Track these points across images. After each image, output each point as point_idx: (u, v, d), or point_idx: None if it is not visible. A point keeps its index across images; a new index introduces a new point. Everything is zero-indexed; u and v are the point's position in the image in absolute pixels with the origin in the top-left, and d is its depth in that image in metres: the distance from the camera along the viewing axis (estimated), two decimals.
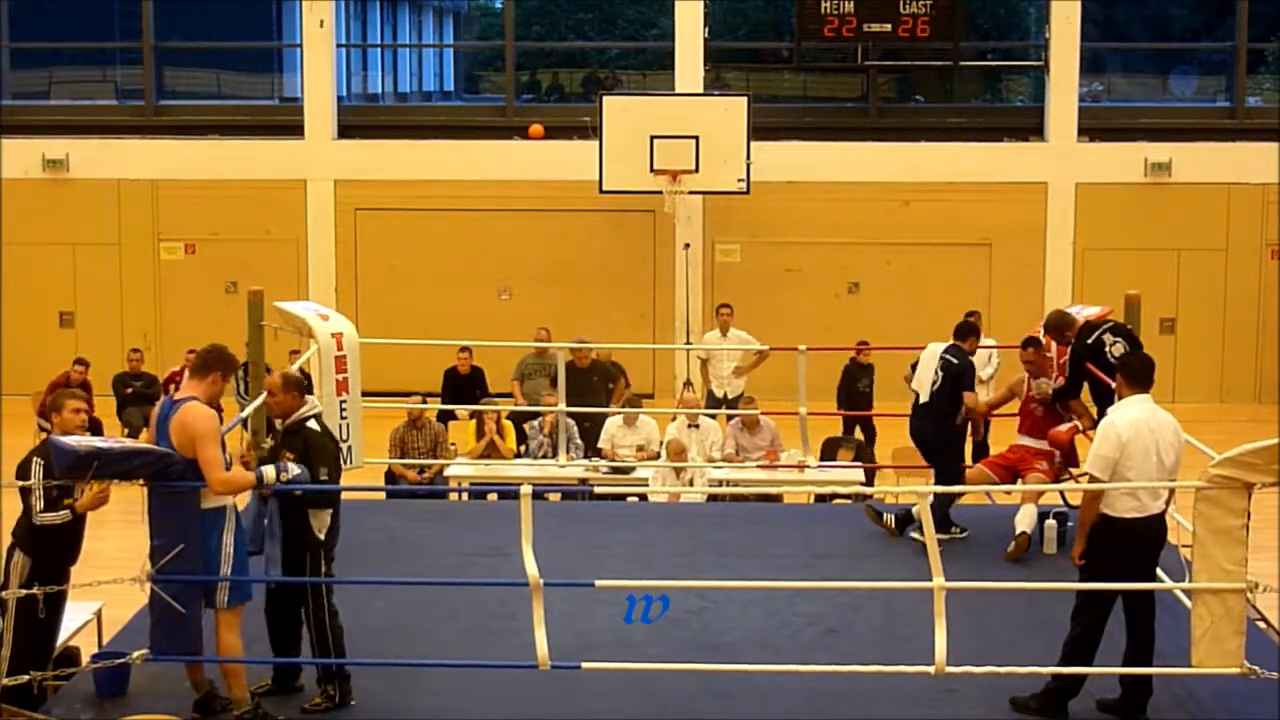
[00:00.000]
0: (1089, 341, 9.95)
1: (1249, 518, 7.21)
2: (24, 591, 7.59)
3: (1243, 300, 19.53)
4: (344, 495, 8.01)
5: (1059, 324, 10.33)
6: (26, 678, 7.63)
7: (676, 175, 18.06)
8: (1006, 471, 10.31)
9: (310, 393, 8.45)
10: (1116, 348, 9.75)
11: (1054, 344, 10.50)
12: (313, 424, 7.77)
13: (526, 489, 7.37)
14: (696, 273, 19.58)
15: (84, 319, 20.03)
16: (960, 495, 10.50)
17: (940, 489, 10.06)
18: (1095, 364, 9.85)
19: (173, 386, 15.01)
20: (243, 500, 7.82)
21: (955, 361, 10.49)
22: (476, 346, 15.84)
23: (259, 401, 10.52)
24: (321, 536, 7.67)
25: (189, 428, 7.31)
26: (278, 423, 7.94)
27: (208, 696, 7.64)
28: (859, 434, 14.91)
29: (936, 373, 10.51)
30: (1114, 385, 8.28)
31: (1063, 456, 10.41)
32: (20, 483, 7.58)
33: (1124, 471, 7.50)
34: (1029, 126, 20.14)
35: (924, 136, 20.10)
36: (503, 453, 13.57)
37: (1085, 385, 10.16)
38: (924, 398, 10.58)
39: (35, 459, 7.64)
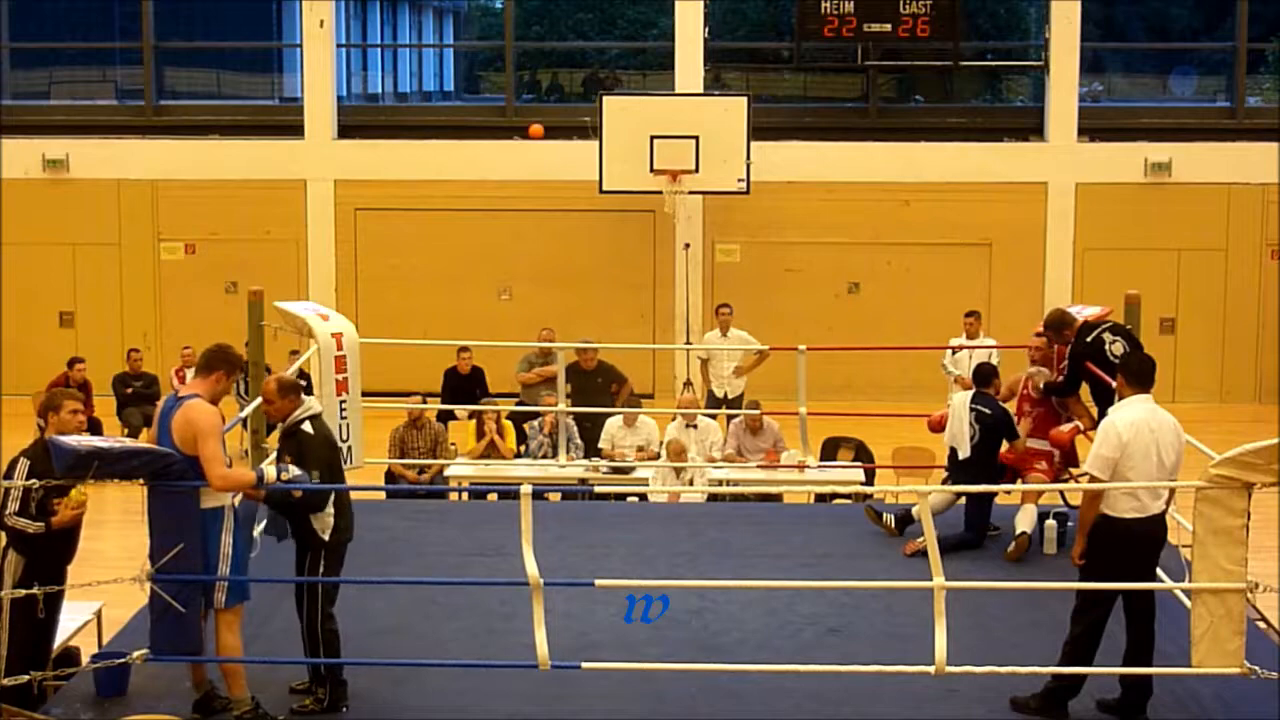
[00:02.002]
0: (1088, 340, 9.93)
1: (1249, 518, 7.20)
2: (23, 592, 7.59)
3: (1243, 300, 19.53)
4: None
5: (1058, 323, 10.30)
6: (26, 678, 7.63)
7: (676, 175, 18.06)
8: (1007, 471, 10.29)
9: (309, 393, 8.45)
10: (1116, 346, 9.74)
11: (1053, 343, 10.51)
12: (306, 426, 7.77)
13: (526, 489, 7.37)
14: (696, 273, 19.58)
15: (84, 319, 20.03)
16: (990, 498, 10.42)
17: (942, 489, 10.07)
18: (1095, 363, 9.83)
19: (177, 381, 15.04)
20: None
21: (989, 412, 10.17)
22: (476, 346, 15.85)
23: (259, 401, 10.53)
24: (325, 537, 7.67)
25: (192, 424, 7.32)
26: (279, 426, 7.95)
27: (207, 696, 7.64)
28: None
29: (972, 425, 10.17)
30: (1114, 385, 8.28)
31: (1063, 457, 10.41)
32: (8, 483, 7.57)
33: (1124, 472, 7.49)
34: (1029, 126, 20.14)
35: (924, 136, 20.10)
36: (503, 453, 13.57)
37: (1086, 385, 10.16)
38: (965, 453, 10.19)
39: (22, 459, 7.64)
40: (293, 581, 7.87)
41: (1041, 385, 10.33)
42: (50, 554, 7.72)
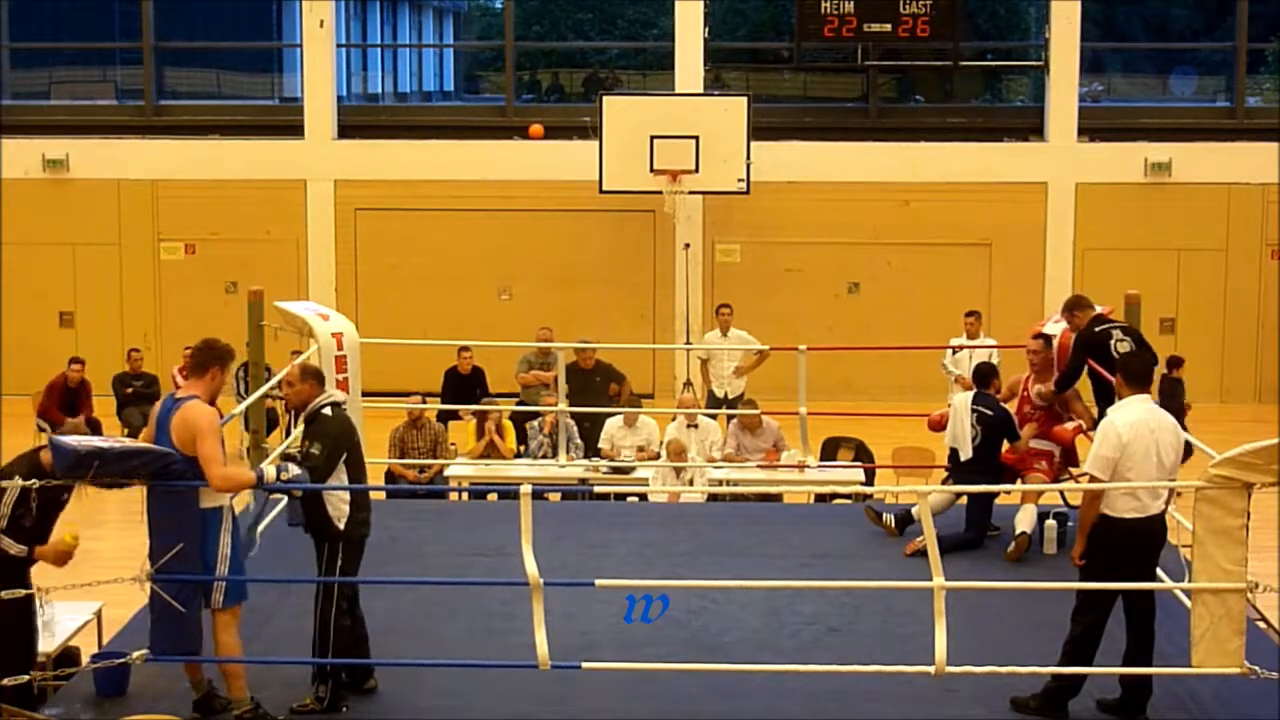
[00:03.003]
0: (1096, 330, 9.92)
1: (1249, 518, 7.21)
2: (23, 592, 7.61)
3: (1243, 300, 19.54)
4: None
5: (1074, 304, 10.26)
6: (27, 678, 7.65)
7: (676, 175, 18.06)
8: (1006, 471, 10.29)
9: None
10: (1122, 345, 9.71)
11: (1054, 342, 10.51)
12: (327, 410, 7.78)
13: (526, 489, 7.37)
14: (696, 273, 19.59)
15: (84, 319, 20.04)
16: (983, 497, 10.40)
17: (942, 489, 10.07)
18: (1097, 357, 9.82)
19: (180, 379, 15.05)
20: (240, 501, 7.82)
21: (991, 413, 10.18)
22: (477, 347, 15.85)
23: (254, 398, 10.54)
24: (341, 526, 7.66)
25: (190, 424, 7.31)
26: (285, 417, 7.96)
27: (207, 696, 7.64)
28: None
29: (974, 426, 10.17)
30: (1112, 380, 8.28)
31: (1063, 456, 10.41)
32: (8, 483, 7.55)
33: (1124, 472, 7.50)
34: (1029, 126, 20.14)
35: (924, 136, 20.10)
36: (503, 453, 13.57)
37: (1089, 383, 10.17)
38: (966, 454, 10.18)
39: (17, 476, 7.61)
40: (289, 582, 7.87)
41: (1050, 391, 10.29)
42: (23, 566, 7.75)
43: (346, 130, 20.29)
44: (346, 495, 7.68)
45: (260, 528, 8.02)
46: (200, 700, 7.64)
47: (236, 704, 7.54)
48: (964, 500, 10.25)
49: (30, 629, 7.90)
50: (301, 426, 7.94)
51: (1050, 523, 10.20)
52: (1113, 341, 9.77)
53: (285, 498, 7.82)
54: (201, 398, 7.47)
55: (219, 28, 22.77)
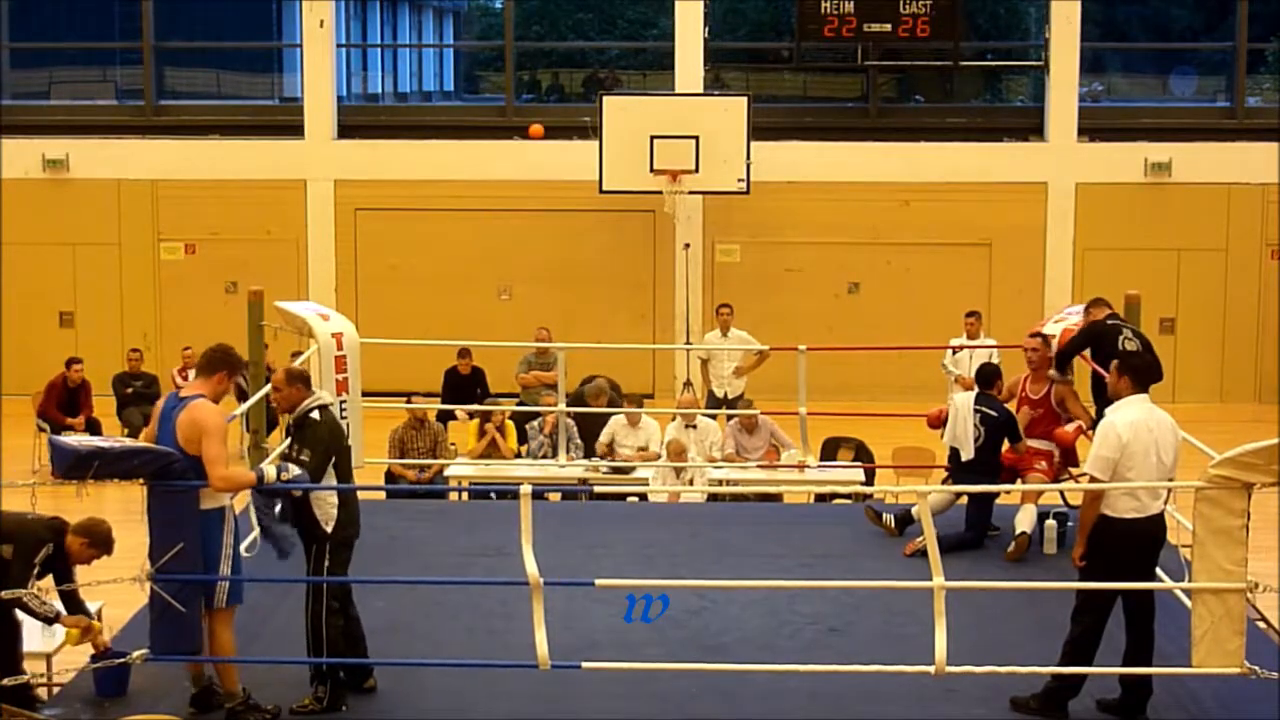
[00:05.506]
0: (1108, 323, 9.95)
1: (1249, 518, 7.21)
2: (22, 592, 7.62)
3: (1243, 300, 19.53)
4: None
5: (1092, 303, 10.33)
6: (27, 677, 7.67)
7: (676, 175, 18.05)
8: (1006, 471, 10.30)
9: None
10: (1129, 344, 9.72)
11: (1052, 342, 10.53)
12: (315, 414, 7.78)
13: (526, 489, 7.37)
14: (696, 273, 19.58)
15: (84, 319, 20.03)
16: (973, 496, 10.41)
17: (942, 489, 10.07)
18: (1103, 348, 9.82)
19: (180, 380, 15.06)
20: (240, 501, 7.83)
21: (995, 414, 10.19)
22: (476, 347, 15.85)
23: (256, 399, 10.55)
24: (329, 529, 7.66)
25: (198, 423, 7.33)
26: (285, 418, 7.98)
27: (205, 691, 7.66)
28: None
29: (976, 427, 10.17)
30: (1107, 378, 8.27)
31: (1063, 456, 10.41)
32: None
33: (1124, 472, 7.50)
34: (1029, 126, 20.13)
35: (924, 136, 20.09)
36: (504, 453, 13.56)
37: (1088, 382, 10.18)
38: (967, 454, 10.18)
39: (49, 545, 7.71)
40: (290, 581, 7.87)
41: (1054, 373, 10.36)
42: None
43: (346, 130, 20.28)
44: (335, 498, 7.69)
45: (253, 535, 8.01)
46: (198, 695, 7.66)
47: (228, 698, 7.57)
48: (964, 500, 10.26)
49: (14, 634, 7.92)
50: (291, 429, 7.95)
51: (1050, 523, 10.21)
52: (1121, 338, 9.80)
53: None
54: (207, 398, 7.49)
55: (219, 28, 22.77)
